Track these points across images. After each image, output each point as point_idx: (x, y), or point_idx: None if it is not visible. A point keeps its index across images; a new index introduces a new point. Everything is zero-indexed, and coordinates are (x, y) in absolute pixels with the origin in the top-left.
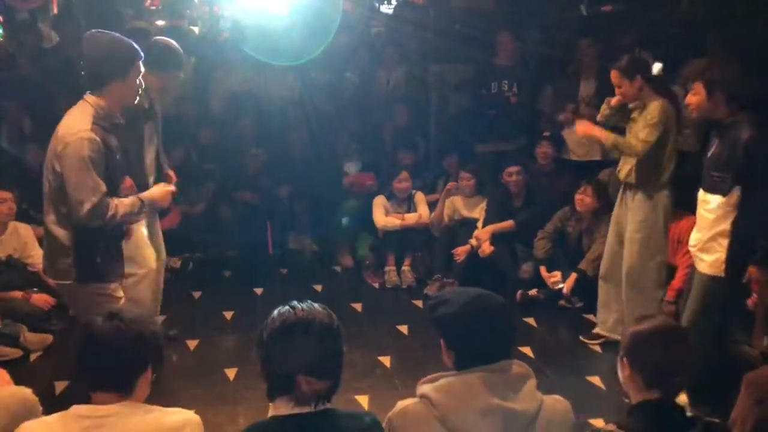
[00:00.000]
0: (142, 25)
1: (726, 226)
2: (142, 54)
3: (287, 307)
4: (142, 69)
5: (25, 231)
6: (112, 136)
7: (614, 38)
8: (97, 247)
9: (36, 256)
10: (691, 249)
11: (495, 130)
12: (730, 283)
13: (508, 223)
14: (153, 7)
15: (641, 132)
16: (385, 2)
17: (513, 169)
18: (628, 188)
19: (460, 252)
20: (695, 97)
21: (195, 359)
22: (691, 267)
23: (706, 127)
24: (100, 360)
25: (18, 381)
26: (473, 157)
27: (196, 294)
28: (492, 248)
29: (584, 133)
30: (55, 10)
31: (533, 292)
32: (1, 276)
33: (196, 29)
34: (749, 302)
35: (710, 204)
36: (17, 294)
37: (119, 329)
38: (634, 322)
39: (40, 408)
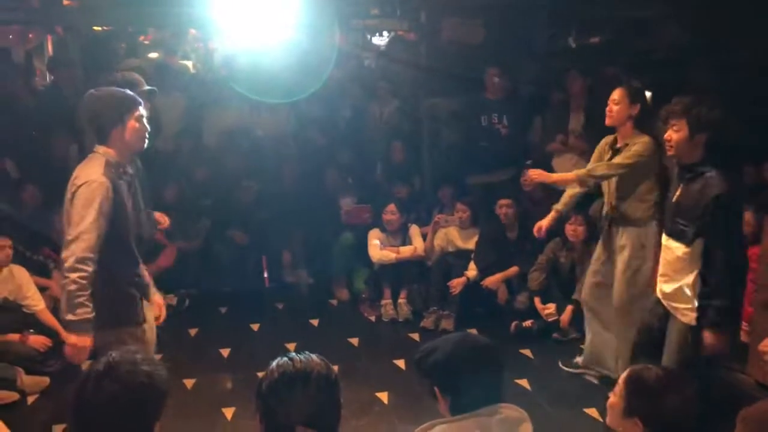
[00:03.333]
0: (132, 78)
1: (691, 277)
2: (139, 100)
3: (285, 359)
4: (144, 113)
5: (20, 273)
6: (122, 186)
7: (602, 69)
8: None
9: (32, 298)
10: (663, 296)
11: (486, 161)
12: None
13: (513, 270)
14: (147, 42)
15: (617, 158)
16: (377, 34)
17: (504, 201)
18: (613, 224)
19: (456, 284)
20: (677, 134)
21: (192, 399)
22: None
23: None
24: None
25: (15, 425)
26: (466, 188)
27: (192, 331)
28: (506, 291)
29: (539, 179)
30: (51, 51)
31: (528, 323)
32: None
33: (189, 63)
34: (742, 334)
35: (674, 253)
36: (14, 336)
37: (112, 395)
38: (629, 376)
39: None
